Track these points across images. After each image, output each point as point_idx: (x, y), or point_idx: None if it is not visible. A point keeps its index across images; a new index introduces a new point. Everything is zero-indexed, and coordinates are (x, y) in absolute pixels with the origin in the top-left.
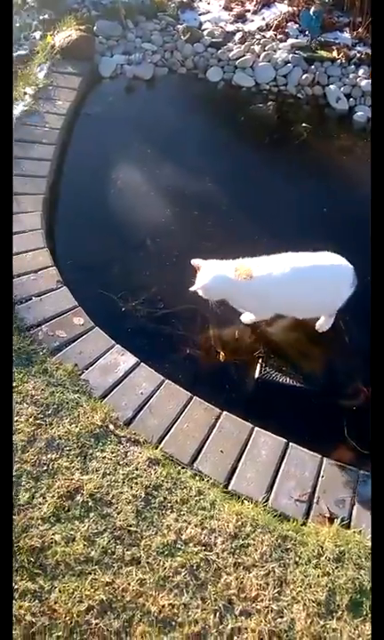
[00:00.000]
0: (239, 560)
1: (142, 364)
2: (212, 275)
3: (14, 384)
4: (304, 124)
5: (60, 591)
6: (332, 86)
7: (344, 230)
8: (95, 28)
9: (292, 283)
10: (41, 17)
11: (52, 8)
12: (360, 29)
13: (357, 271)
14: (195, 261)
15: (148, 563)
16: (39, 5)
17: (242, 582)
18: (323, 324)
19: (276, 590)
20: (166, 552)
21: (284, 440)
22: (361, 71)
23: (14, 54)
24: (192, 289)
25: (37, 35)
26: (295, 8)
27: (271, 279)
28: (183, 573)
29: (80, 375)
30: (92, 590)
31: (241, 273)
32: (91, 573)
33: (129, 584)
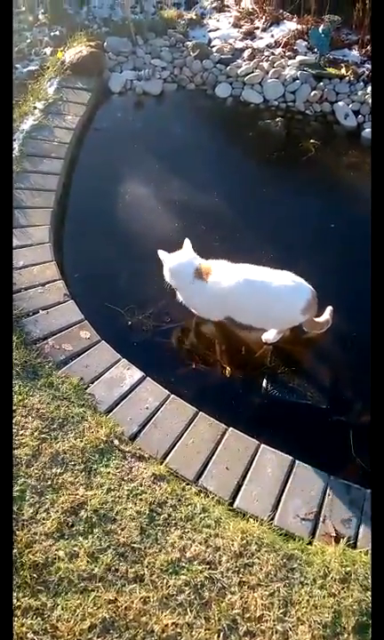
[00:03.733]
0: (244, 579)
1: (148, 378)
2: (181, 260)
3: (20, 397)
4: (312, 141)
5: (62, 608)
6: (340, 103)
7: (351, 246)
8: (105, 44)
9: (242, 293)
10: (52, 33)
11: (63, 25)
12: (368, 47)
13: (366, 285)
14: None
15: (151, 580)
16: (50, 22)
17: (246, 602)
18: (268, 336)
19: (280, 611)
20: (170, 570)
21: (290, 457)
22: (370, 88)
23: (25, 70)
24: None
25: (48, 50)
26: (304, 26)
27: (222, 285)
28: (187, 592)
29: (86, 389)
30: (95, 608)
31: (201, 272)
32: (94, 590)
33: (132, 602)
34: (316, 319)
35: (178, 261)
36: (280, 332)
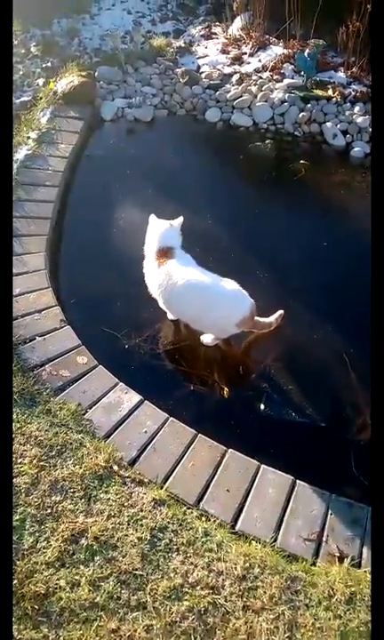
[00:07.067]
0: (248, 603)
1: (146, 401)
2: (165, 229)
3: (18, 425)
4: (302, 161)
5: None
6: (328, 123)
7: (345, 263)
8: (96, 73)
9: (182, 294)
10: (44, 65)
11: (55, 56)
12: (354, 69)
13: (362, 300)
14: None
15: (154, 608)
16: (42, 54)
17: (251, 627)
18: (206, 339)
19: (286, 635)
20: (173, 596)
21: (291, 477)
22: (356, 108)
23: (18, 100)
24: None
25: (40, 81)
26: (290, 50)
27: (167, 280)
28: (191, 618)
29: (84, 415)
30: (98, 638)
31: (160, 258)
32: (96, 620)
33: (135, 630)
34: (261, 319)
35: (164, 227)
36: (217, 338)
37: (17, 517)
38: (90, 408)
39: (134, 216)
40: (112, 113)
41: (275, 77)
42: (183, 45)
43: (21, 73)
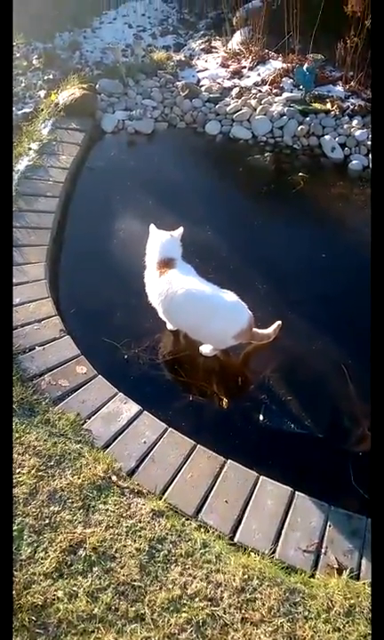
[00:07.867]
0: (246, 615)
1: (145, 412)
2: (166, 240)
3: (17, 435)
4: (301, 174)
5: None
6: (326, 137)
7: (343, 275)
8: (97, 86)
9: (181, 305)
10: (45, 77)
11: (56, 68)
12: (352, 83)
13: (360, 312)
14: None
15: (152, 619)
16: (44, 67)
17: (250, 639)
18: (205, 350)
19: None
20: (171, 608)
21: (290, 489)
22: (355, 122)
23: (19, 112)
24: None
25: (42, 93)
26: (289, 64)
27: (167, 289)
28: (189, 630)
29: (82, 425)
30: None
31: (161, 268)
32: (94, 632)
33: None
34: (260, 331)
35: (165, 238)
36: (215, 349)
37: (15, 528)
38: (89, 418)
39: (134, 227)
40: (113, 125)
41: (274, 91)
42: (183, 59)
43: (23, 85)
